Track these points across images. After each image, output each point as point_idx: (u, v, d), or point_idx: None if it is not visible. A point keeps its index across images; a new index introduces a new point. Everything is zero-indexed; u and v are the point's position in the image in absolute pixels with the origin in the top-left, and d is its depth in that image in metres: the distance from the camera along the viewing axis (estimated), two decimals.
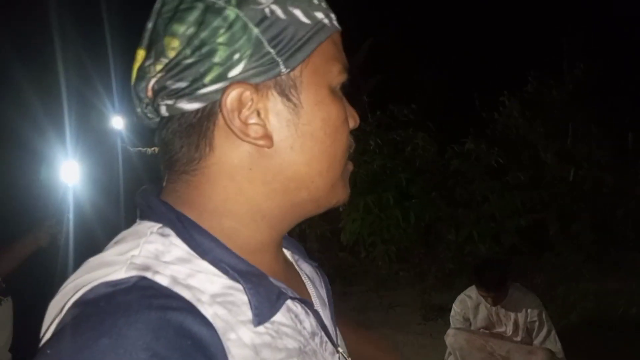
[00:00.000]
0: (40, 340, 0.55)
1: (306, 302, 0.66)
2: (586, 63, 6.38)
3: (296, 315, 0.64)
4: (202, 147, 0.61)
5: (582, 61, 6.42)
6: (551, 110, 6.57)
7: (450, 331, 3.64)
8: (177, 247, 0.59)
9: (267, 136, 0.61)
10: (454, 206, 6.21)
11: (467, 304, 3.63)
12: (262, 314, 0.58)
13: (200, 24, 0.58)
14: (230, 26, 0.58)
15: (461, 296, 3.68)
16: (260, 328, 0.57)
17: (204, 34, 0.58)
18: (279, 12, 0.59)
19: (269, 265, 0.66)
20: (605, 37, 6.88)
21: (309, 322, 0.66)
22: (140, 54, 0.62)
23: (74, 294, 0.54)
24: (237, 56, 0.58)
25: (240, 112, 0.59)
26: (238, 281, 0.59)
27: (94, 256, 0.59)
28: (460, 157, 6.41)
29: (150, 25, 0.62)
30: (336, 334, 0.75)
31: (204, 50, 0.58)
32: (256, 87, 0.60)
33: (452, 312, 3.72)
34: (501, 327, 3.60)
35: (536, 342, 3.46)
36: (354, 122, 0.69)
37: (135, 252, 0.57)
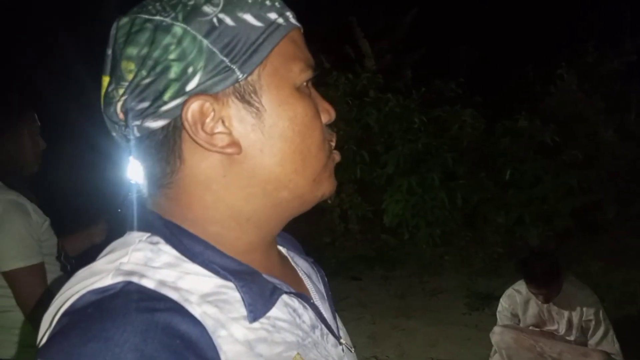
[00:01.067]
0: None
1: (303, 296, 0.68)
2: None
3: (294, 310, 0.66)
4: (172, 161, 0.63)
5: None
6: (612, 83, 6.19)
7: (496, 329, 3.41)
8: (165, 253, 0.61)
9: (235, 143, 0.62)
10: (503, 187, 5.91)
11: (516, 300, 3.39)
12: (256, 309, 0.59)
13: (152, 43, 0.60)
14: (179, 41, 0.60)
15: (509, 291, 3.43)
16: (255, 324, 0.59)
17: (156, 53, 0.60)
18: (228, 20, 0.61)
19: (261, 263, 0.67)
20: None
21: (307, 316, 0.68)
22: (105, 80, 0.65)
23: (62, 305, 0.56)
24: (191, 69, 0.60)
25: (203, 123, 0.61)
26: (230, 280, 0.60)
27: (83, 268, 0.61)
28: (512, 134, 6.06)
29: (109, 51, 0.64)
30: (337, 326, 0.77)
31: (158, 68, 0.60)
32: (216, 97, 0.61)
33: (500, 308, 3.49)
34: (553, 325, 3.35)
35: (591, 342, 3.20)
36: (328, 116, 0.70)
37: (124, 260, 0.59)
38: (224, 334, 0.56)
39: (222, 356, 0.54)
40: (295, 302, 0.67)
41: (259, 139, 0.63)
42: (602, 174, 5.74)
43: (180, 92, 0.60)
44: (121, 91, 0.62)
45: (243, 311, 0.59)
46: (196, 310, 0.55)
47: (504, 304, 3.46)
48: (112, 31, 0.64)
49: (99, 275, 0.57)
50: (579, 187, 5.67)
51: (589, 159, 5.81)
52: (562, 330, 3.30)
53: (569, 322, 3.27)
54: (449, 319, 4.67)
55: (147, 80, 0.60)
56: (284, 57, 0.64)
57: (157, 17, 0.61)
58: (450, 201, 5.88)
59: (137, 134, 0.63)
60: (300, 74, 0.65)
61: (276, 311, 0.63)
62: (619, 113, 6.05)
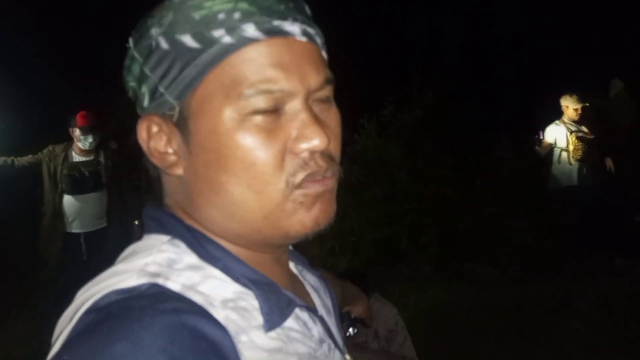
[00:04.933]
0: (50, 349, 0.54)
1: (313, 310, 0.67)
2: (434, 92, 7.01)
3: (304, 323, 0.65)
4: (157, 174, 0.67)
5: (430, 89, 7.05)
6: (404, 132, 7.08)
7: None
8: (188, 255, 0.60)
9: (177, 164, 0.62)
10: None
11: None
12: (272, 319, 0.59)
13: (127, 67, 0.65)
14: (131, 64, 0.63)
15: None
16: (272, 333, 0.58)
17: (126, 73, 0.65)
18: (163, 43, 0.59)
19: (276, 275, 0.66)
20: (450, 67, 7.63)
21: (316, 330, 0.67)
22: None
23: (84, 303, 0.54)
24: (142, 90, 0.62)
25: (148, 142, 0.63)
26: (249, 288, 0.60)
27: (105, 270, 0.60)
28: None
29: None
30: (342, 341, 0.76)
31: (127, 87, 0.65)
32: (163, 118, 0.62)
33: None
34: (362, 337, 3.84)
35: (393, 349, 3.74)
36: (307, 143, 0.61)
37: (148, 261, 0.58)
38: (245, 339, 0.55)
39: None
40: (305, 316, 0.66)
41: (193, 165, 0.61)
42: (397, 209, 6.54)
43: (140, 111, 0.63)
44: None
45: (260, 320, 0.58)
46: (220, 314, 0.55)
47: None
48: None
49: (123, 275, 0.56)
50: (379, 220, 6.41)
51: (388, 196, 6.59)
52: (369, 340, 3.81)
53: (375, 333, 3.79)
54: None
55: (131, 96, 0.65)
56: (226, 80, 0.58)
57: (130, 38, 0.63)
58: None
59: None
60: (247, 99, 0.58)
61: (290, 323, 0.62)
62: (410, 158, 6.93)
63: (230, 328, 0.54)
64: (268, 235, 0.63)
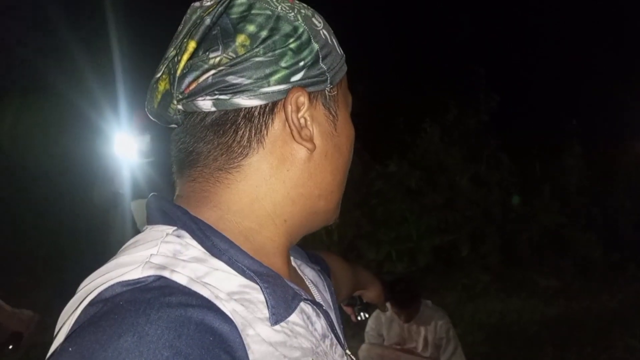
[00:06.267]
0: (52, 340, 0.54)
1: (317, 304, 0.67)
2: (501, 96, 6.86)
3: (308, 317, 0.65)
4: (252, 143, 0.63)
5: (497, 94, 6.90)
6: (468, 137, 6.99)
7: (363, 346, 3.83)
8: (193, 247, 0.59)
9: (312, 140, 0.65)
10: (375, 225, 6.45)
11: (382, 320, 3.84)
12: (278, 313, 0.59)
13: (273, 29, 0.62)
14: (299, 37, 0.63)
15: (375, 313, 3.88)
16: (277, 327, 0.58)
17: (276, 38, 0.61)
18: (328, 37, 0.68)
19: (280, 268, 0.66)
20: (519, 73, 7.41)
21: (319, 324, 0.67)
22: (192, 45, 0.62)
23: (88, 295, 0.53)
24: (301, 64, 0.63)
25: (299, 113, 0.63)
26: (254, 280, 0.59)
27: (109, 261, 0.59)
28: (384, 178, 6.68)
29: (208, 20, 0.62)
30: (343, 336, 0.76)
31: (277, 52, 0.61)
32: (309, 95, 0.64)
33: (367, 328, 3.92)
34: (412, 343, 3.82)
35: (443, 358, 3.70)
36: None
37: (153, 251, 0.57)
38: (252, 332, 0.55)
39: (250, 355, 0.53)
40: (309, 310, 0.66)
41: (326, 144, 0.67)
42: (457, 217, 6.44)
43: (285, 80, 0.62)
44: (224, 61, 0.60)
45: (266, 313, 0.58)
46: (226, 307, 0.54)
47: (371, 324, 3.89)
48: (221, 6, 0.63)
49: (129, 267, 0.55)
50: (438, 227, 6.34)
51: (447, 202, 6.51)
52: (420, 347, 3.79)
53: (425, 340, 3.76)
54: None
55: (260, 59, 0.60)
56: (346, 85, 0.72)
57: (280, 10, 0.64)
58: (328, 236, 6.28)
59: (212, 109, 0.61)
60: (350, 103, 0.72)
61: (294, 316, 0.62)
62: (473, 164, 6.82)
63: (237, 321, 0.54)
64: (326, 219, 0.72)
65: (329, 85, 0.66)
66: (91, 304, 0.52)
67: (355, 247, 6.60)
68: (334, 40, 0.68)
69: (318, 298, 0.76)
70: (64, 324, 0.54)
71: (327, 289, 0.82)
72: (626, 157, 6.16)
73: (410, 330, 3.77)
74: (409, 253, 6.24)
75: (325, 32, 0.67)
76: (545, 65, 7.33)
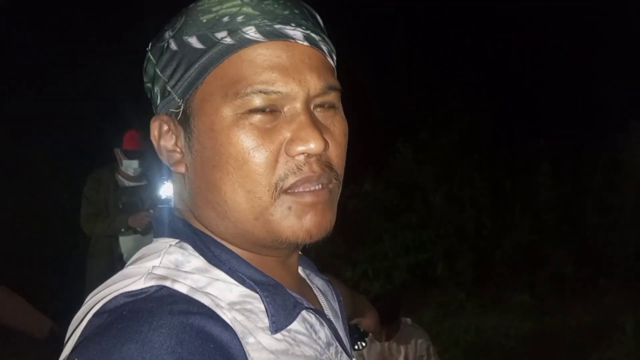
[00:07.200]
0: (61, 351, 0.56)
1: (320, 313, 0.67)
2: (472, 116, 6.99)
3: (311, 325, 0.65)
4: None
5: (468, 114, 7.02)
6: (441, 156, 7.05)
7: None
8: (195, 258, 0.61)
9: (182, 162, 0.64)
10: (351, 244, 6.46)
11: None
12: (278, 321, 0.59)
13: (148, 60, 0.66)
14: (147, 66, 0.65)
15: None
16: (278, 335, 0.59)
17: (143, 76, 0.68)
18: (173, 44, 0.61)
19: (281, 276, 0.65)
20: (489, 93, 7.58)
21: (323, 333, 0.66)
22: None
23: (94, 306, 0.55)
24: (155, 91, 0.64)
25: (159, 140, 0.65)
26: (255, 290, 0.60)
27: (116, 273, 0.61)
28: (359, 197, 6.70)
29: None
30: (350, 344, 0.76)
31: (145, 89, 0.67)
32: (171, 117, 0.64)
33: None
34: None
35: None
36: (302, 144, 0.60)
37: (156, 263, 0.59)
38: (252, 341, 0.56)
39: None
40: (312, 318, 0.66)
41: (193, 162, 0.63)
42: (432, 235, 6.48)
43: (155, 110, 0.66)
44: None
45: (267, 322, 0.58)
46: (227, 316, 0.55)
47: None
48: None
49: (132, 278, 0.56)
50: (414, 245, 6.36)
51: (422, 221, 6.55)
52: None
53: (406, 357, 3.78)
54: None
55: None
56: (226, 79, 0.59)
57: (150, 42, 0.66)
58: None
59: None
60: (243, 98, 0.58)
61: (296, 325, 0.61)
62: (446, 182, 6.87)
63: (238, 329, 0.55)
64: (260, 237, 0.62)
65: (179, 101, 0.62)
66: (96, 315, 0.54)
67: (331, 266, 6.60)
68: (192, 37, 0.60)
69: (326, 307, 0.76)
70: (71, 335, 0.55)
71: (335, 298, 0.82)
72: (594, 174, 6.31)
73: (390, 348, 3.77)
74: (385, 271, 6.26)
75: (171, 40, 0.62)
76: (515, 87, 7.52)
